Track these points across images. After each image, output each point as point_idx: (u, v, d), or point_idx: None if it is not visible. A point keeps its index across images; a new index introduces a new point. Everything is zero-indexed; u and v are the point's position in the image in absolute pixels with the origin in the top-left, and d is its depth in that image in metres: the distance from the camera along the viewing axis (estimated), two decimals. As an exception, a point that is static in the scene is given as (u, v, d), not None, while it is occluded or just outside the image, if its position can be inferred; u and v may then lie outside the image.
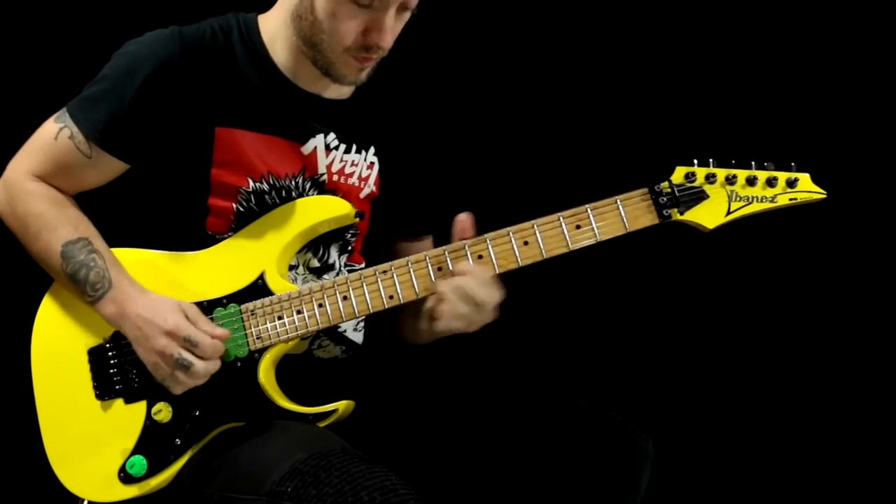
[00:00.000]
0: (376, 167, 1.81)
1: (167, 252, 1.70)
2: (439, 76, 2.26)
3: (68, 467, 1.65)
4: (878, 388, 2.43)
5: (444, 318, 1.56)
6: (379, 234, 1.86)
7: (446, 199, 1.86)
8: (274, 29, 1.69)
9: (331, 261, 1.78)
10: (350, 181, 1.77)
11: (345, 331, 1.81)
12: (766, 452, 2.49)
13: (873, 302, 2.41)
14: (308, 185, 1.73)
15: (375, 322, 1.85)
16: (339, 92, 1.75)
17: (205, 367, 1.56)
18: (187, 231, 1.70)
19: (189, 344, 1.55)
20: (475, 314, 1.56)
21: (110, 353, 1.66)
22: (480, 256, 1.59)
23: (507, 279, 1.78)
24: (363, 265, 1.83)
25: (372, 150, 1.80)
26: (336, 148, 1.75)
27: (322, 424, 1.61)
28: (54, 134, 1.67)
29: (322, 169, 1.74)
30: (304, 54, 1.65)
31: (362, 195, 1.80)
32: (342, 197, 1.74)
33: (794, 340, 2.46)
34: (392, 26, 1.59)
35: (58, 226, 1.66)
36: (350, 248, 1.81)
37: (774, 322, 2.46)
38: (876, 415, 2.43)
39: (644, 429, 1.64)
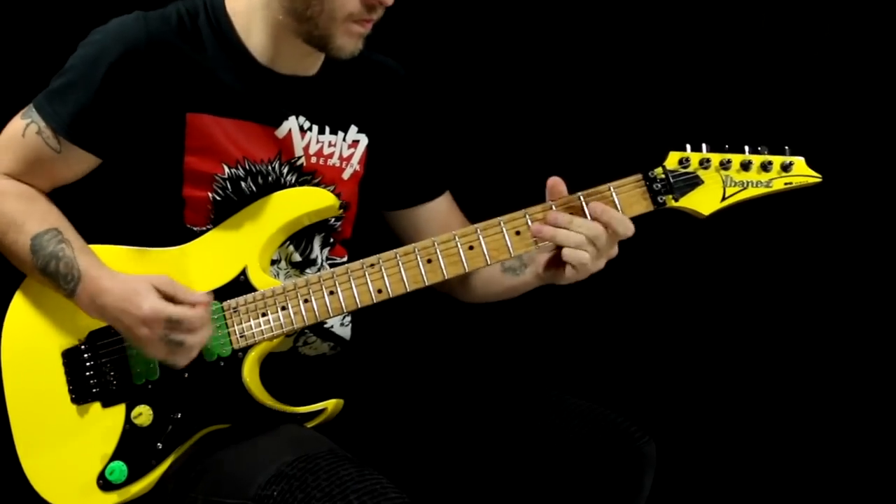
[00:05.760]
0: (361, 145, 1.76)
1: (144, 248, 1.65)
2: (425, 51, 2.24)
3: (44, 475, 1.60)
4: (879, 389, 2.43)
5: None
6: (374, 208, 1.83)
7: (441, 165, 1.84)
8: (246, 10, 1.64)
9: (313, 255, 1.74)
10: (331, 162, 1.73)
11: (331, 326, 1.77)
12: (768, 453, 2.48)
13: (876, 300, 2.39)
14: (286, 170, 1.69)
15: (363, 317, 1.80)
16: (308, 73, 1.70)
17: (199, 339, 1.51)
18: (165, 226, 1.65)
19: (172, 324, 1.49)
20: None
21: (86, 355, 1.60)
22: (471, 247, 1.55)
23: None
24: (345, 258, 1.80)
25: (353, 128, 1.75)
26: (310, 129, 1.70)
27: (310, 425, 1.57)
28: (21, 130, 1.63)
29: (299, 152, 1.69)
30: (294, 32, 1.59)
31: (345, 176, 1.75)
32: (323, 180, 1.70)
33: (798, 339, 2.45)
34: None
35: (26, 220, 1.60)
36: (332, 239, 1.77)
37: (777, 320, 2.45)
38: (877, 415, 2.43)
39: (646, 431, 1.62)
